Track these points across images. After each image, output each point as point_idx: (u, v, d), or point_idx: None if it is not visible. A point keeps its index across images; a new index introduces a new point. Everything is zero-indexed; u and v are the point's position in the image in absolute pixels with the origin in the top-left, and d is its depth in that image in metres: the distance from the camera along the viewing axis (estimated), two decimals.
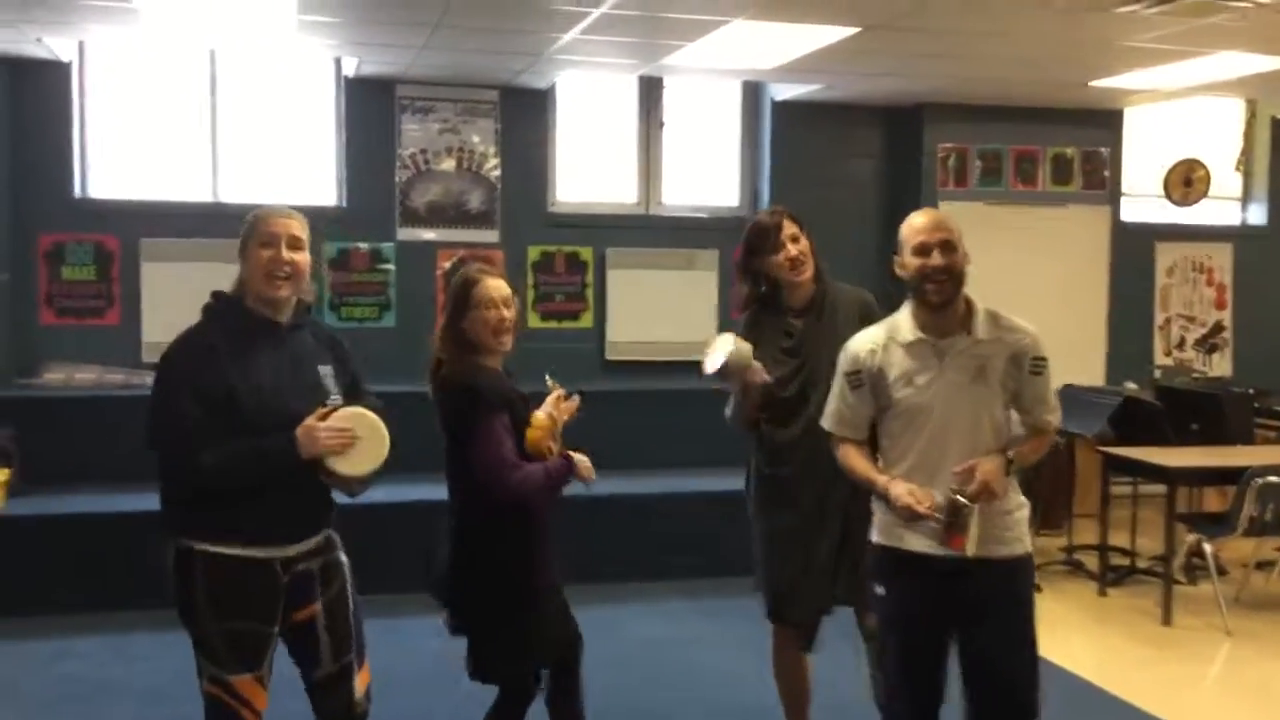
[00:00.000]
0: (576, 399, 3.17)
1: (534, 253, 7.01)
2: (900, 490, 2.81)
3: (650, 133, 7.39)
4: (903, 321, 2.94)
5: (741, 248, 3.44)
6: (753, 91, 7.50)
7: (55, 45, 5.89)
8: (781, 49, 5.75)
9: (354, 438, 2.73)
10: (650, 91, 7.33)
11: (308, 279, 2.88)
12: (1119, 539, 6.24)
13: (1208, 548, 5.53)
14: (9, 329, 6.10)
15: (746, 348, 3.28)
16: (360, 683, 2.92)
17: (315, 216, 6.66)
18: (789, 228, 3.38)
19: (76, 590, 5.22)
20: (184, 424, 2.66)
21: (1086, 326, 7.58)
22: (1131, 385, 7.34)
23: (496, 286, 3.06)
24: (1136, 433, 6.05)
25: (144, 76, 6.55)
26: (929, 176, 7.37)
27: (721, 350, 3.26)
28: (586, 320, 7.09)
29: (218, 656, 2.72)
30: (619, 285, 7.09)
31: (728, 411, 3.50)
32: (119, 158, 6.53)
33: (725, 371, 3.26)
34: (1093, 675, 4.68)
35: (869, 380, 2.94)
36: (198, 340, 2.78)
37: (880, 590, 3.00)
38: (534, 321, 6.99)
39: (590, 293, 7.09)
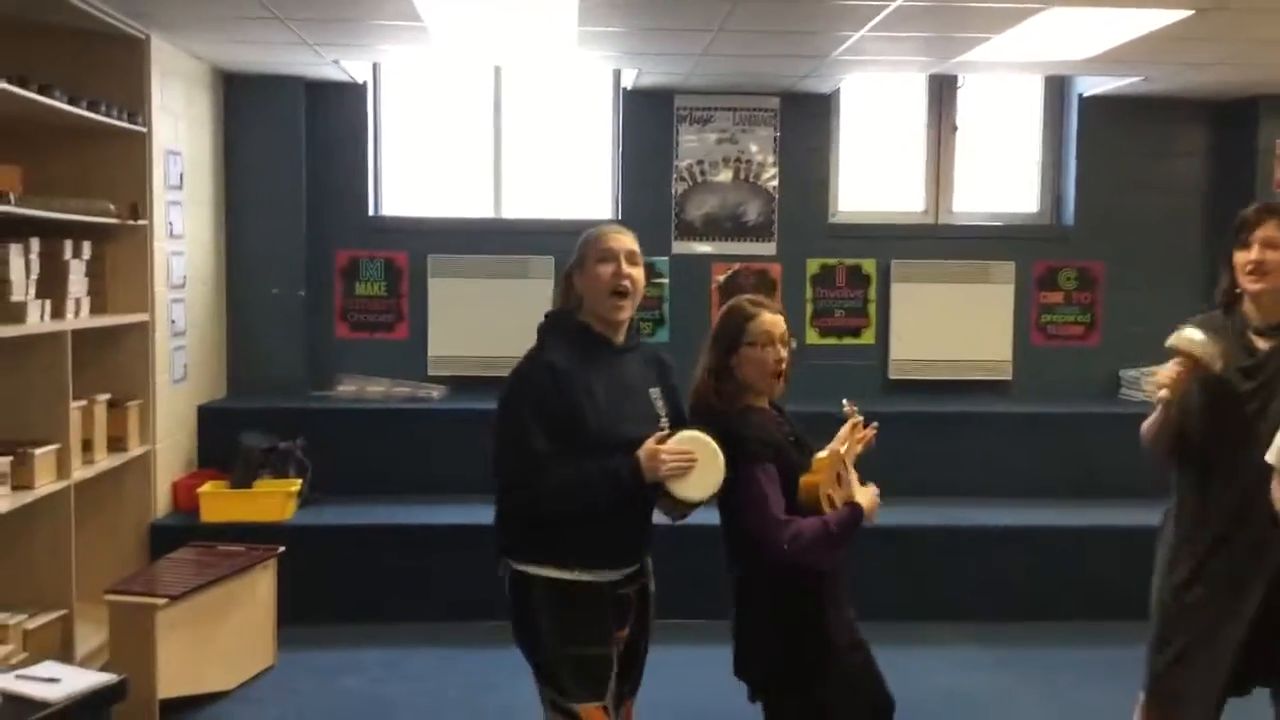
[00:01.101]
0: (873, 428, 2.94)
1: (813, 265, 6.69)
2: None
3: (942, 135, 6.92)
4: None
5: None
6: (1057, 87, 6.89)
7: (351, 67, 6.09)
8: (1098, 38, 5.18)
9: (693, 461, 2.64)
10: (942, 91, 6.87)
11: (640, 297, 2.83)
12: None
13: None
14: (307, 343, 6.37)
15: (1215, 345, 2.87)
16: (629, 710, 2.88)
17: (585, 228, 6.71)
18: (1270, 229, 2.89)
19: (362, 602, 5.35)
20: (531, 447, 2.64)
21: None
22: None
23: (774, 321, 2.82)
24: None
25: (431, 96, 6.71)
26: (1265, 178, 6.52)
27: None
28: (868, 337, 6.71)
29: (563, 685, 2.66)
30: (904, 299, 6.66)
31: (1146, 427, 3.03)
32: (409, 176, 6.71)
33: (1185, 344, 2.85)
34: None
35: None
36: (542, 361, 2.74)
37: None
38: (812, 338, 6.67)
39: (873, 308, 6.70)
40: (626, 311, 2.78)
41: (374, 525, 5.45)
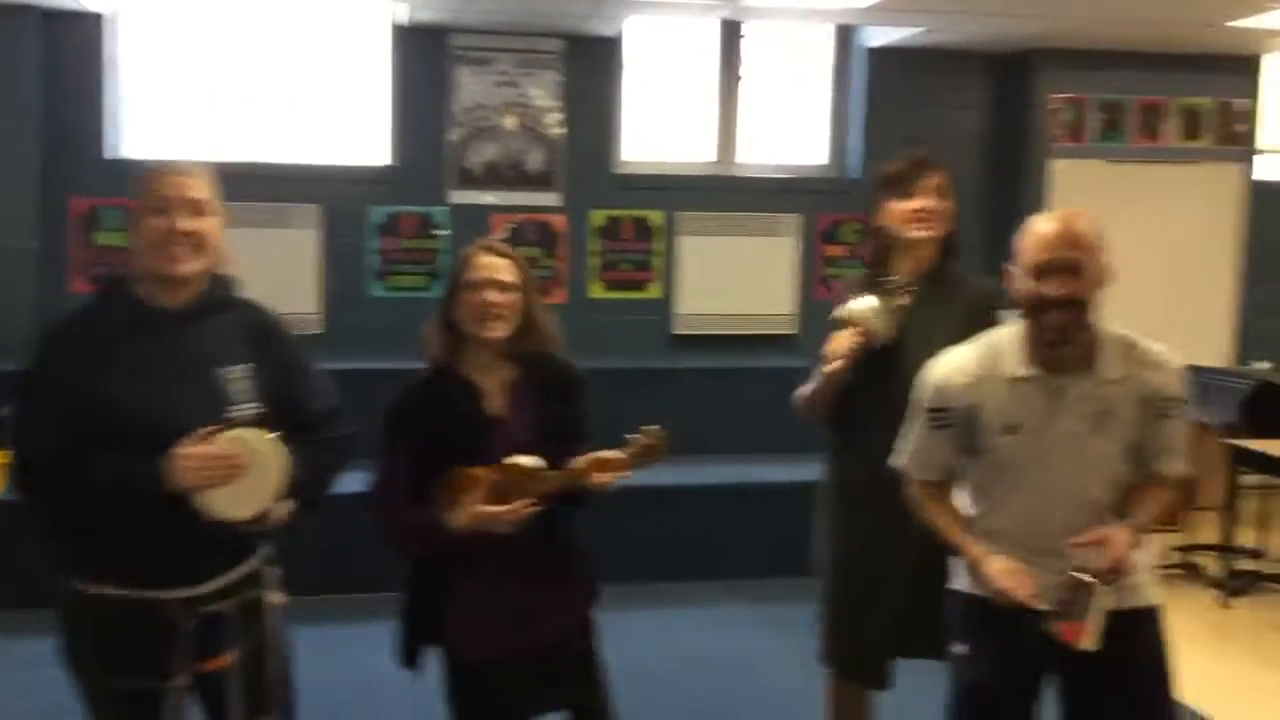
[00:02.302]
0: (614, 478, 2.46)
1: (598, 217, 6.48)
2: (997, 572, 2.26)
3: (729, 85, 6.78)
4: (1008, 348, 2.35)
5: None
6: (844, 37, 6.83)
7: None
8: None
9: (236, 469, 2.14)
10: (729, 38, 6.72)
11: (221, 252, 2.30)
12: (1246, 539, 5.55)
13: None
14: (38, 299, 5.74)
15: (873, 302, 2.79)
16: None
17: (365, 178, 6.32)
18: (935, 179, 2.85)
19: None
20: (42, 440, 2.18)
21: (1213, 299, 6.81)
22: (1264, 365, 6.58)
23: (488, 264, 2.52)
24: (1272, 421, 5.35)
25: (184, 29, 6.17)
26: (1041, 131, 6.63)
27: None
28: (654, 291, 6.55)
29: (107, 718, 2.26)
30: (691, 252, 6.52)
31: (803, 390, 2.94)
32: (156, 116, 6.17)
33: (851, 315, 2.77)
34: (1218, 710, 4.04)
35: (958, 421, 2.36)
36: (68, 334, 2.27)
37: (964, 650, 2.44)
38: (597, 292, 6.48)
39: (659, 261, 6.55)
40: (184, 266, 2.23)
41: None
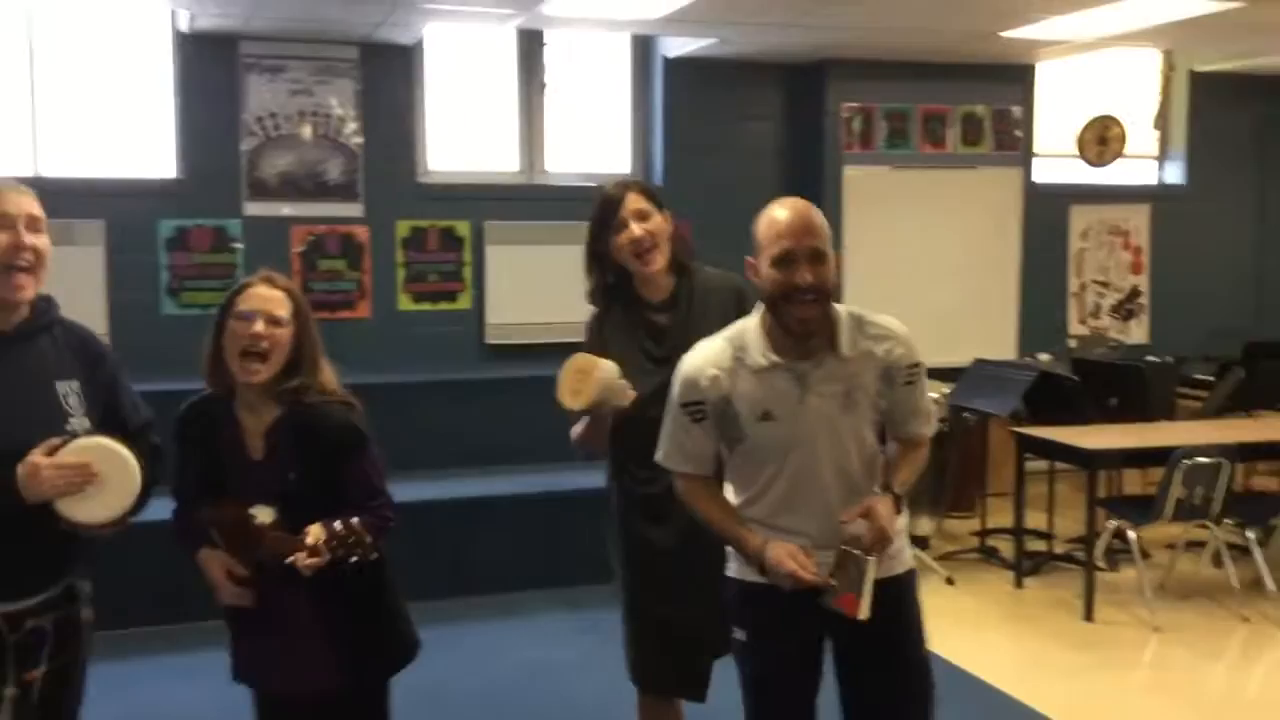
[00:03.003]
0: (314, 564, 2.31)
1: (403, 228, 6.37)
2: (781, 554, 2.29)
3: (532, 95, 6.78)
4: (752, 339, 2.38)
5: (590, 226, 2.85)
6: (643, 48, 6.92)
7: None
8: None
9: (91, 475, 2.18)
10: (531, 48, 6.72)
11: (49, 271, 2.31)
12: (1035, 521, 5.87)
13: (1131, 535, 5.15)
14: None
15: (613, 368, 2.71)
16: None
17: (151, 191, 6.03)
18: (635, 202, 2.79)
19: None
20: None
21: (997, 295, 7.18)
22: (1045, 356, 6.99)
23: (261, 296, 2.42)
24: (1052, 409, 5.67)
25: None
26: (833, 139, 6.87)
27: (588, 383, 2.69)
28: (464, 301, 6.48)
29: None
30: (500, 262, 6.48)
31: (575, 432, 2.91)
32: None
33: (599, 404, 2.70)
34: (1011, 686, 4.25)
35: (713, 413, 2.39)
36: None
37: (743, 636, 2.47)
38: (406, 304, 6.37)
39: (468, 271, 6.48)
40: (28, 287, 2.26)
41: None
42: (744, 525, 2.41)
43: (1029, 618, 5.13)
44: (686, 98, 6.83)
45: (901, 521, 2.45)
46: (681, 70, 6.80)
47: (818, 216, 2.35)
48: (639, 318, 2.85)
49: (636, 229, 2.78)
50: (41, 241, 2.27)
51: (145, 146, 6.06)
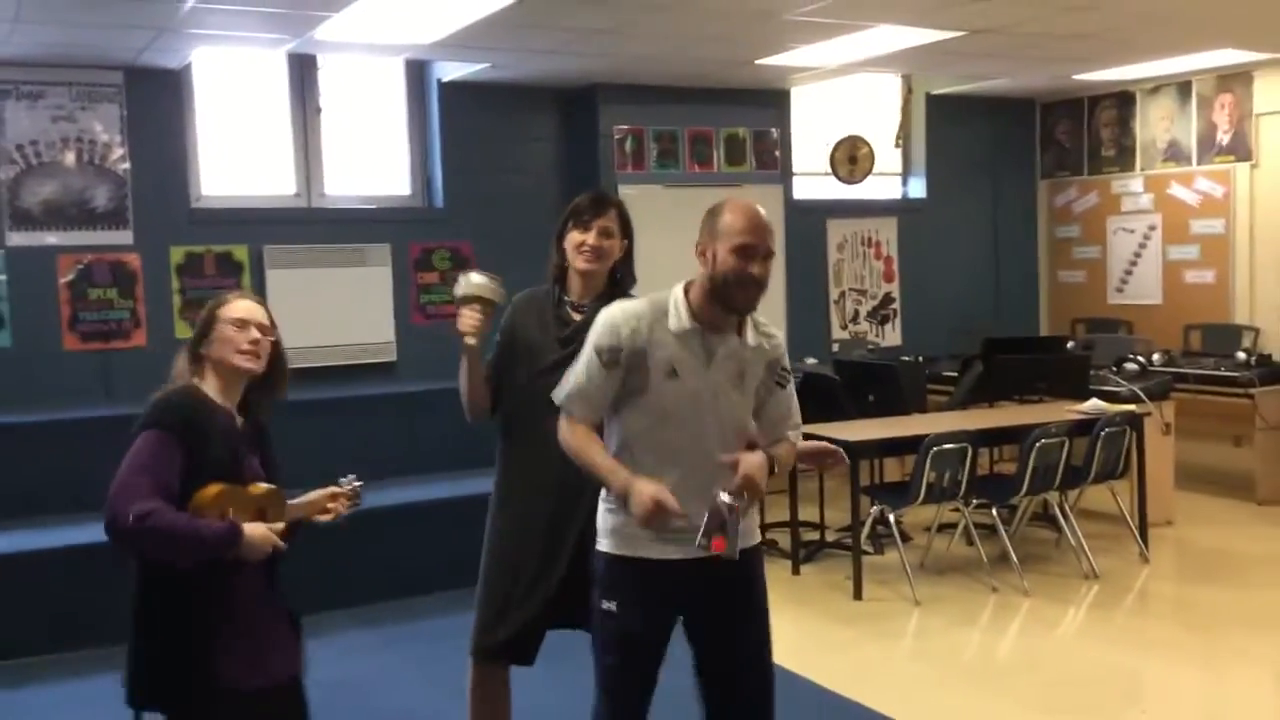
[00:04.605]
0: (333, 514, 2.83)
1: (177, 254, 6.26)
2: (649, 489, 2.51)
3: (307, 117, 6.78)
4: (676, 305, 2.66)
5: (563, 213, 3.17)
6: (418, 72, 7.04)
7: None
8: (440, 21, 5.33)
9: None
10: (304, 72, 6.72)
11: None
12: (808, 513, 6.28)
13: (891, 518, 5.60)
14: None
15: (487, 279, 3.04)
16: None
17: None
18: (607, 220, 3.10)
19: None
20: None
21: (766, 305, 7.40)
22: (812, 360, 7.45)
23: (248, 307, 2.62)
24: (819, 408, 6.08)
25: None
26: (606, 160, 7.16)
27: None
28: None
29: None
30: (281, 286, 6.44)
31: (461, 383, 3.12)
32: None
33: (474, 290, 3.00)
34: (791, 661, 4.53)
35: (627, 361, 2.63)
36: None
37: (612, 606, 2.69)
38: (183, 332, 6.23)
39: None
40: None
41: None
42: (617, 464, 2.63)
43: (805, 600, 5.51)
44: (463, 120, 6.98)
45: (753, 505, 2.70)
46: (457, 93, 6.95)
47: (768, 220, 2.67)
48: (557, 310, 3.12)
49: (592, 238, 3.07)
50: None
51: None
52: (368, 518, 5.42)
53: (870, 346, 8.09)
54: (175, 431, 2.44)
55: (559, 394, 2.73)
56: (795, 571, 5.91)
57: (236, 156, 6.61)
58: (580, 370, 2.70)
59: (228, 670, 2.47)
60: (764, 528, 6.39)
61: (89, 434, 4.90)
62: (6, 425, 4.85)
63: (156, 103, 6.18)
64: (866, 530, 5.78)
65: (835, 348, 8.04)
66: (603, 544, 2.73)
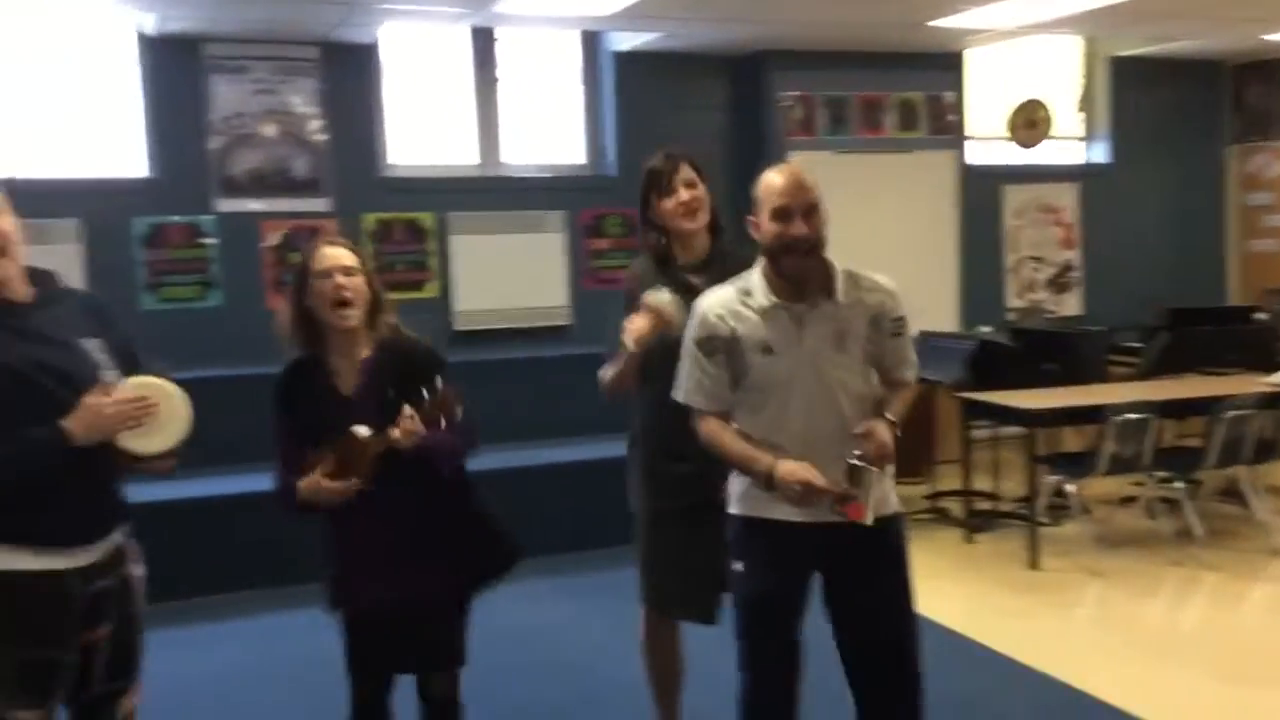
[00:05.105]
0: (411, 434, 2.61)
1: (370, 220, 6.58)
2: (792, 467, 2.56)
3: (487, 89, 7.00)
4: (756, 285, 2.70)
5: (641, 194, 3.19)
6: (591, 43, 7.17)
7: None
8: None
9: (151, 407, 2.38)
10: (484, 44, 6.95)
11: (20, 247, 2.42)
12: (982, 483, 6.21)
13: (1070, 488, 5.50)
14: None
15: (671, 297, 3.00)
16: (128, 704, 2.55)
17: (124, 190, 6.17)
18: (685, 171, 3.14)
19: None
20: None
21: (939, 272, 7.53)
22: (986, 329, 7.33)
23: (332, 255, 2.72)
24: (993, 376, 6.01)
25: None
26: (775, 127, 7.17)
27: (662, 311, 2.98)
28: (432, 290, 6.70)
29: (3, 687, 2.30)
30: (464, 251, 6.71)
31: (605, 373, 3.16)
32: None
33: (660, 305, 2.97)
34: (963, 626, 4.57)
35: (724, 348, 2.68)
36: None
37: (740, 567, 2.75)
38: None
39: (434, 261, 6.70)
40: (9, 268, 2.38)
41: None
42: (756, 448, 2.66)
43: (978, 568, 5.47)
44: (635, 89, 7.09)
45: (890, 468, 2.71)
46: (630, 63, 7.06)
47: (809, 176, 2.67)
48: (675, 278, 3.12)
49: (685, 194, 3.11)
50: (5, 222, 2.36)
51: (116, 147, 6.19)
52: (535, 474, 5.72)
53: (1048, 315, 7.90)
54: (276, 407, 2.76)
55: (678, 393, 2.77)
56: (968, 540, 5.86)
57: (422, 127, 6.88)
58: (688, 365, 2.74)
59: (344, 590, 2.79)
60: (934, 496, 6.36)
61: None
62: (221, 378, 5.21)
63: (349, 76, 6.49)
64: (1044, 500, 5.69)
65: (1011, 316, 7.88)
66: (734, 508, 2.78)
